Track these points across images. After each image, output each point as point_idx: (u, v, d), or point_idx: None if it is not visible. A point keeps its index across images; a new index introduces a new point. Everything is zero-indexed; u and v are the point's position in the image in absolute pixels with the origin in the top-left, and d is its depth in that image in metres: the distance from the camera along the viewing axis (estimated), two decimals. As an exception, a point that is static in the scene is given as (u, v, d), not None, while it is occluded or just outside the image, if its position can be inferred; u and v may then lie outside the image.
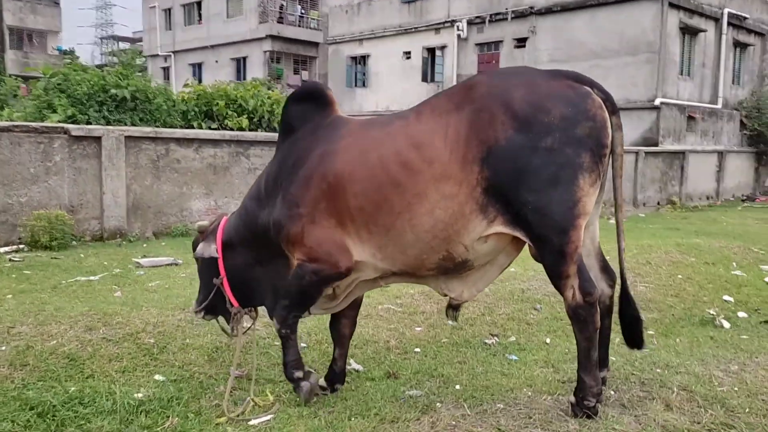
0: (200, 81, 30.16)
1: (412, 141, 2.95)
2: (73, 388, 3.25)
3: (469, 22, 24.17)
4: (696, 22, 20.44)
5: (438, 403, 3.03)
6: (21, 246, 8.17)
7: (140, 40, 76.06)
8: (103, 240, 9.06)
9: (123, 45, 76.66)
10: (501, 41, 23.39)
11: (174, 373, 3.68)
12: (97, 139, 8.95)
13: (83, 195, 8.99)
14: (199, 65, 36.69)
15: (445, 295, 3.25)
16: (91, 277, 6.44)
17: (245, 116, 10.95)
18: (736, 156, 22.09)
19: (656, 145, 19.27)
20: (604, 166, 2.86)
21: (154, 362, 3.80)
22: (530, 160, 2.75)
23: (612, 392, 3.08)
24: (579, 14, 21.09)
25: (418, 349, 4.35)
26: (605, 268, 3.20)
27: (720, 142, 22.02)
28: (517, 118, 2.77)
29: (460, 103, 2.92)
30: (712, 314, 5.28)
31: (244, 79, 31.67)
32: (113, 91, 9.77)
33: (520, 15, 22.57)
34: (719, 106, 21.75)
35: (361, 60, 28.70)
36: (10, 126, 8.31)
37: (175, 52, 37.97)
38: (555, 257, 2.81)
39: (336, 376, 3.61)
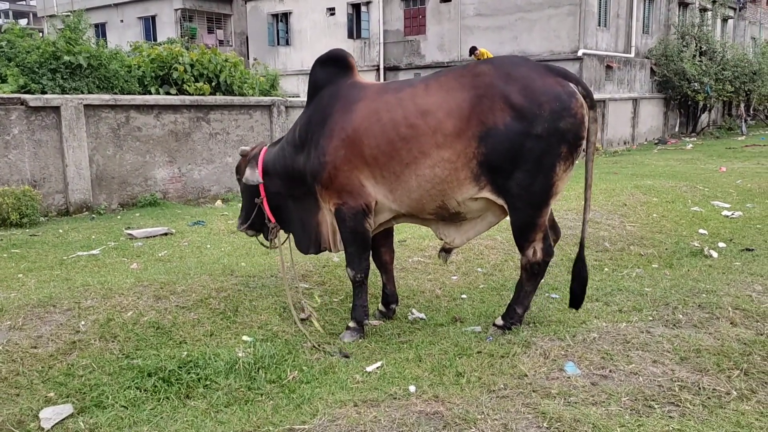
0: (106, 42, 28.46)
1: (420, 108, 3.55)
2: (184, 353, 3.34)
3: (394, -23, 24.11)
4: (612, -26, 21.44)
5: (534, 338, 3.37)
6: (-12, 225, 7.75)
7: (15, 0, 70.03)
8: (70, 214, 8.73)
9: (2, 6, 70.24)
10: (427, -4, 23.54)
11: (258, 334, 3.82)
12: (56, 109, 8.51)
13: (45, 168, 8.57)
14: (103, 25, 34.48)
15: (442, 239, 3.92)
16: (93, 252, 6.29)
17: (203, 81, 10.64)
18: (648, 102, 23.66)
19: (580, 94, 20.31)
20: (578, 155, 3.44)
21: (234, 325, 3.91)
22: (522, 143, 3.34)
23: (681, 316, 3.53)
24: (503, -32, 21.55)
25: (464, 296, 4.68)
26: (553, 226, 3.90)
27: (634, 90, 23.47)
28: (514, 108, 3.34)
29: (466, 86, 3.47)
30: (698, 246, 5.94)
31: (155, 39, 30.16)
32: (66, 57, 9.20)
33: (445, -31, 22.75)
34: (632, 55, 23.07)
35: (283, 17, 28.02)
36: (-37, 98, 7.76)
37: (73, 12, 35.45)
38: (527, 225, 3.50)
39: (389, 297, 4.31)
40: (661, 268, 5.37)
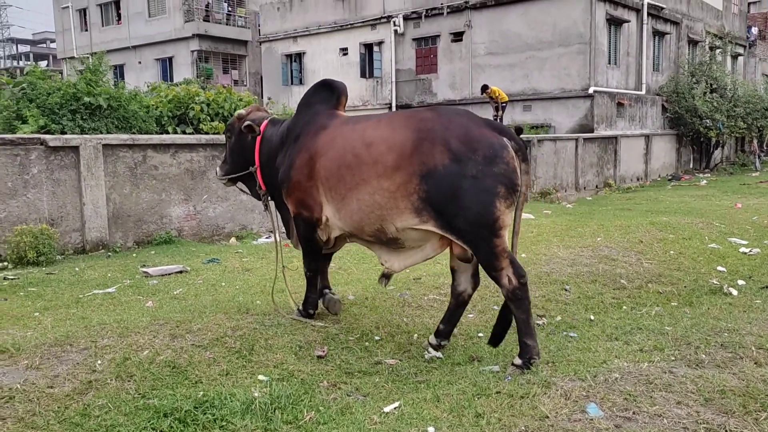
0: (124, 83, 29.15)
1: (366, 140, 3.98)
2: (200, 393, 3.32)
3: (405, 18, 24.58)
4: (620, 13, 21.72)
5: (554, 378, 3.32)
6: (5, 263, 7.83)
7: (42, 42, 72.10)
8: (86, 252, 8.79)
9: (23, 48, 72.33)
10: (438, 36, 23.94)
11: (274, 373, 3.79)
12: (75, 149, 8.66)
13: (63, 207, 8.68)
14: (121, 67, 35.29)
15: (382, 264, 4.25)
16: (108, 290, 6.32)
17: (218, 120, 10.82)
18: (660, 138, 23.70)
19: (592, 131, 20.40)
20: (515, 199, 3.71)
21: (250, 364, 3.89)
22: (460, 184, 3.65)
23: (703, 355, 3.47)
24: (513, 8, 21.92)
25: (481, 334, 4.64)
26: (475, 274, 4.20)
27: (646, 126, 23.54)
28: (452, 151, 3.69)
29: (411, 127, 3.85)
30: (717, 284, 5.86)
31: (172, 80, 30.81)
32: (87, 99, 9.43)
33: (455, 9, 23.18)
34: (643, 92, 23.21)
35: (297, 57, 28.56)
36: (-15, 139, 7.92)
37: (93, 54, 36.38)
38: (489, 257, 3.71)
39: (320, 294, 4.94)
40: (681, 306, 5.30)
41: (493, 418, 2.93)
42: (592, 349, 3.94)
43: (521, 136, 15.67)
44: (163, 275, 7.04)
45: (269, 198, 4.84)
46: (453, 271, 4.21)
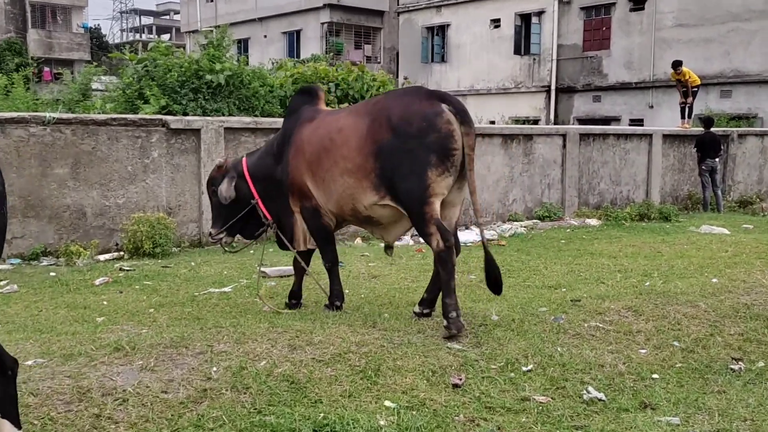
0: (247, 59, 30.96)
1: (338, 126, 5.13)
2: (320, 415, 3.46)
3: (573, -19, 23.98)
4: None
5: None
6: (121, 253, 8.62)
7: (165, 14, 78.32)
8: (202, 245, 9.45)
9: (146, 20, 79.05)
10: (613, 4, 23.11)
11: (402, 400, 3.86)
12: (196, 132, 9.35)
13: (181, 195, 9.40)
14: (246, 41, 37.54)
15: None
16: (224, 289, 6.76)
17: (348, 102, 11.19)
18: None
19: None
20: (453, 162, 4.76)
21: (375, 386, 3.99)
22: (401, 157, 4.77)
23: None
24: (713, -32, 20.64)
25: (655, 375, 4.43)
26: (455, 243, 5.01)
27: None
28: (393, 128, 4.81)
29: (369, 112, 5.04)
30: None
31: (298, 55, 32.25)
32: (208, 76, 10.15)
33: (638, -30, 22.25)
34: None
35: (439, 30, 28.81)
36: (108, 119, 8.78)
37: (217, 27, 38.99)
38: (420, 221, 4.85)
39: (294, 294, 6.02)
40: None
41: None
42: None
43: (711, 129, 14.75)
44: (281, 276, 7.40)
45: (276, 227, 5.72)
46: None
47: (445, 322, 4.79)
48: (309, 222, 5.46)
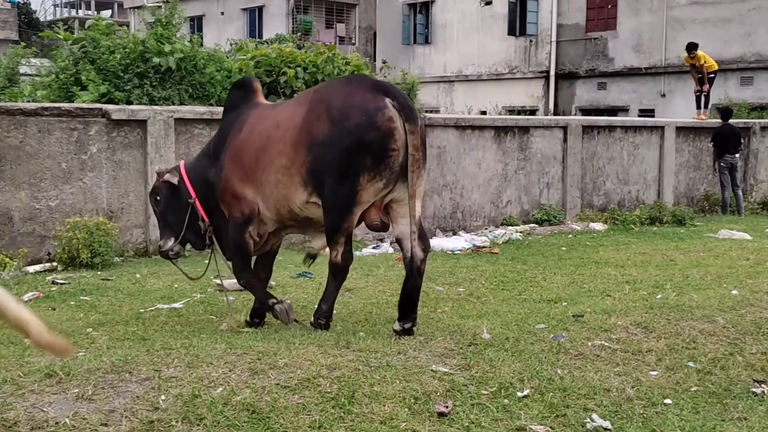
0: (202, 40, 30.84)
1: (276, 121, 5.29)
2: (285, 450, 3.45)
3: (575, -48, 24.21)
4: None
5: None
6: (54, 264, 8.54)
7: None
8: (149, 254, 9.40)
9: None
10: (620, -22, 23.34)
11: (380, 430, 3.87)
12: (142, 123, 9.29)
13: (124, 197, 9.35)
14: (200, 18, 37.38)
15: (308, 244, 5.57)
16: (175, 305, 6.75)
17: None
18: None
19: None
20: (389, 164, 4.89)
21: (349, 416, 3.99)
22: (333, 153, 4.88)
23: None
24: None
25: (668, 401, 4.48)
26: (421, 236, 5.22)
27: None
28: (332, 120, 4.92)
29: (307, 101, 5.15)
30: None
31: (261, 36, 32.23)
32: (156, 59, 10.10)
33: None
34: None
35: (423, 7, 28.95)
36: (39, 109, 8.72)
37: (166, 2, 38.79)
38: (332, 229, 5.10)
39: (255, 312, 6.01)
40: None
41: None
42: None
43: (730, 121, 14.93)
44: (241, 290, 7.37)
45: (212, 234, 5.86)
46: (399, 240, 5.31)
47: (312, 320, 5.44)
48: (231, 231, 5.59)
